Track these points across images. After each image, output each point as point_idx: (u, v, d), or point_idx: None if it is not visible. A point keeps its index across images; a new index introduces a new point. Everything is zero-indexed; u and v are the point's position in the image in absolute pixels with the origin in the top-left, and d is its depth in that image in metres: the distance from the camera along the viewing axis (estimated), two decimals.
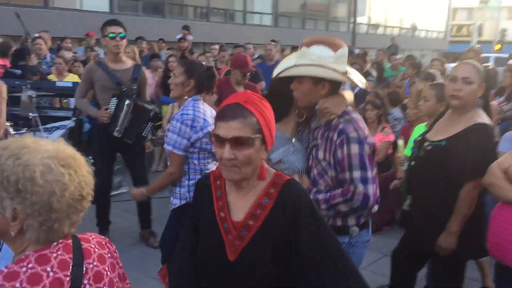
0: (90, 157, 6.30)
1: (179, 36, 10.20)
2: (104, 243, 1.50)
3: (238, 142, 1.56)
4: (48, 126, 5.64)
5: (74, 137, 5.88)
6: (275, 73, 2.35)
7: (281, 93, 2.40)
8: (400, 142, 4.04)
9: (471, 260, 3.29)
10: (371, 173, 2.22)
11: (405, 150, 3.85)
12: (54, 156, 1.31)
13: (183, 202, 3.14)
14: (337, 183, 2.27)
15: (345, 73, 2.22)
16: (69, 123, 5.78)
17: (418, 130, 3.74)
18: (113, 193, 5.86)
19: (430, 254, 2.85)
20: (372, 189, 2.21)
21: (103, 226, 4.65)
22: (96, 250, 1.43)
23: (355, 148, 2.20)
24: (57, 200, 1.28)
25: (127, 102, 4.18)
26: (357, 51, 10.82)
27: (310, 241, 1.62)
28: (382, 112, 5.53)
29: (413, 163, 2.91)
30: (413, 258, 3.03)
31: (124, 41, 4.30)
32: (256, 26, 20.41)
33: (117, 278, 1.49)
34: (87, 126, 6.93)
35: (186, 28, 10.79)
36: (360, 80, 2.35)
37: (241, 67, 4.96)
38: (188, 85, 3.12)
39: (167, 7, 16.94)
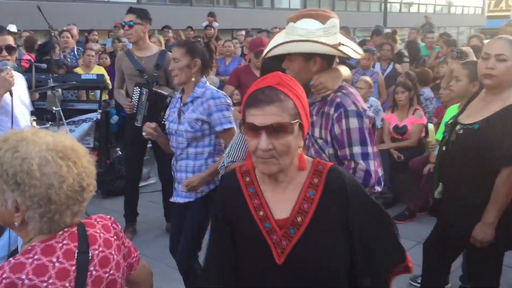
0: (118, 148, 6.36)
1: (205, 24, 10.12)
2: (109, 224, 1.51)
3: (276, 130, 1.40)
4: (75, 119, 5.66)
5: (101, 129, 5.90)
6: (264, 52, 2.21)
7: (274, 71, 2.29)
8: (430, 126, 3.84)
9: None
10: (372, 149, 2.07)
11: (437, 134, 3.65)
12: (52, 148, 1.31)
13: (212, 187, 2.99)
14: (335, 161, 2.13)
15: (336, 45, 2.06)
16: (96, 116, 5.78)
17: (451, 112, 3.52)
18: (142, 184, 5.87)
19: (464, 244, 2.68)
20: (374, 166, 2.06)
21: (130, 217, 4.62)
22: (101, 235, 1.44)
23: (354, 122, 2.05)
24: (56, 192, 1.29)
25: (143, 90, 4.12)
26: (388, 30, 10.45)
27: (366, 220, 1.52)
28: (413, 94, 5.30)
29: (444, 148, 2.72)
30: (447, 248, 2.85)
31: (136, 29, 4.17)
32: (285, 10, 20.14)
33: (122, 260, 1.50)
34: (115, 118, 6.97)
35: (211, 15, 10.68)
36: (356, 51, 2.18)
37: (254, 48, 4.81)
38: (195, 65, 2.94)
39: None
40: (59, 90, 4.62)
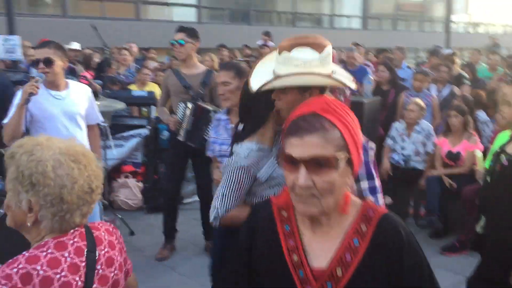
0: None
1: (260, 42, 10.18)
2: (111, 229, 1.61)
3: (317, 164, 1.21)
4: (125, 134, 5.81)
5: (149, 145, 6.01)
6: (255, 84, 2.01)
7: (261, 100, 2.13)
8: (478, 153, 3.59)
9: None
10: (378, 181, 1.97)
11: (486, 161, 3.41)
12: (64, 152, 1.42)
13: None
14: None
15: (330, 74, 1.92)
16: (145, 132, 5.92)
17: (501, 139, 3.28)
18: (186, 201, 5.91)
19: (508, 284, 2.46)
20: (382, 199, 1.97)
21: (169, 234, 4.63)
22: (106, 237, 1.54)
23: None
24: (68, 192, 1.39)
25: (188, 105, 4.16)
26: (448, 51, 10.09)
27: (418, 281, 1.30)
28: (468, 119, 5.02)
29: (488, 178, 2.54)
30: (490, 287, 2.64)
31: (186, 47, 4.25)
32: (344, 29, 19.99)
33: (123, 263, 1.60)
34: (166, 134, 7.09)
35: (266, 34, 10.73)
36: (349, 79, 2.01)
37: None
38: None
39: (253, 14, 17.15)
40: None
